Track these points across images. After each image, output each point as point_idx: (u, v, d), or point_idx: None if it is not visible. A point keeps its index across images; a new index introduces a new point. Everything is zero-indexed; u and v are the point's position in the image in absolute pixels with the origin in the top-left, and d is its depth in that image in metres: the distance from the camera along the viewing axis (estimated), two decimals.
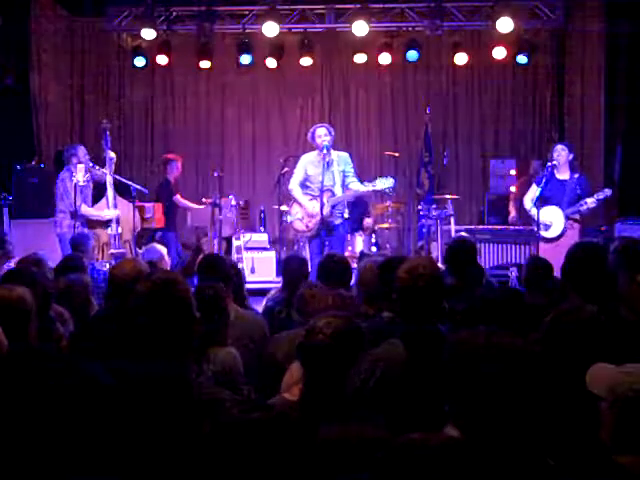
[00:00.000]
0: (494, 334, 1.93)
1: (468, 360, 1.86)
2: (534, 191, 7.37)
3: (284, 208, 8.64)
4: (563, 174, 7.35)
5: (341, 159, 7.43)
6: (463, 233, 7.33)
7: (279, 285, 5.19)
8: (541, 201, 7.20)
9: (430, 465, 1.48)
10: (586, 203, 7.17)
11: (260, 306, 5.18)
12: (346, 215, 7.48)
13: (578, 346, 2.47)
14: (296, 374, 3.15)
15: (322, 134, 7.33)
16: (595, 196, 7.16)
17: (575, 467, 1.99)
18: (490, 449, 1.76)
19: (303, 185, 7.47)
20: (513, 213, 9.36)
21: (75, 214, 7.48)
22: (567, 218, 7.25)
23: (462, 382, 1.85)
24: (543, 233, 7.25)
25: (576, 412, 2.26)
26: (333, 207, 7.29)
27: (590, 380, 2.15)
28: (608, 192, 7.19)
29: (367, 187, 7.36)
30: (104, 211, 7.89)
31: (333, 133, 7.46)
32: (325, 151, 7.25)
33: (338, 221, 7.39)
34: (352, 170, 7.47)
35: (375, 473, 1.52)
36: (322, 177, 7.21)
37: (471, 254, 4.82)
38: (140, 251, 7.56)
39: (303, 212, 7.45)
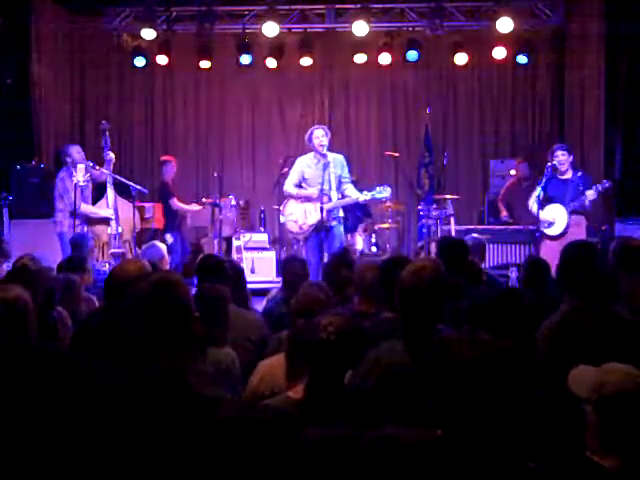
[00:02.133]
0: (478, 334, 1.93)
1: (451, 359, 1.86)
2: (537, 192, 7.37)
3: (282, 208, 8.65)
4: (566, 174, 7.36)
5: (337, 162, 7.44)
6: (475, 234, 7.30)
7: (279, 285, 5.20)
8: (544, 200, 7.21)
9: (403, 461, 1.48)
10: (586, 196, 7.17)
11: (260, 306, 5.18)
12: (340, 214, 7.51)
13: (583, 347, 2.46)
14: (261, 373, 3.19)
15: (320, 135, 7.35)
16: (594, 187, 7.14)
17: (557, 470, 1.98)
18: (470, 449, 1.76)
19: (299, 187, 7.48)
20: (504, 212, 9.38)
21: (75, 213, 7.49)
22: (570, 213, 7.24)
23: (444, 381, 1.85)
24: (547, 231, 7.25)
25: (566, 414, 2.26)
26: (329, 212, 7.30)
27: (572, 383, 2.14)
28: (607, 183, 7.18)
29: (365, 196, 7.42)
30: (102, 209, 7.90)
31: (329, 135, 7.48)
32: (324, 151, 7.27)
33: (334, 223, 7.42)
34: (348, 175, 7.53)
35: (350, 468, 1.52)
36: (322, 179, 7.23)
37: (462, 252, 4.83)
38: (139, 251, 7.57)
39: (299, 212, 7.44)
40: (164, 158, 9.77)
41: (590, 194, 7.12)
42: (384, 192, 7.40)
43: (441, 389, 1.86)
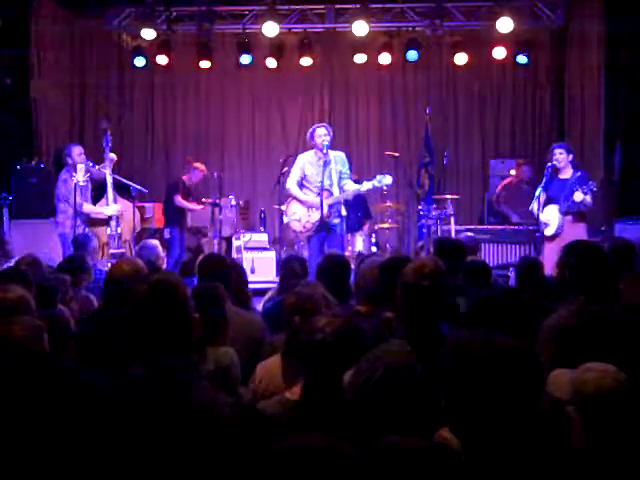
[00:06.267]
0: (493, 335, 1.93)
1: (466, 360, 1.86)
2: (537, 192, 7.35)
3: (284, 208, 8.65)
4: (565, 174, 7.33)
5: (338, 159, 7.45)
6: (469, 233, 7.29)
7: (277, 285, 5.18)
8: (545, 202, 7.19)
9: (409, 469, 1.48)
10: (573, 197, 7.10)
11: (258, 306, 5.17)
12: (343, 213, 7.52)
13: (587, 347, 2.46)
14: (260, 374, 3.19)
15: (322, 134, 7.34)
16: (580, 189, 7.08)
17: (570, 471, 1.98)
18: (484, 451, 1.76)
19: (300, 185, 7.49)
20: (514, 216, 9.21)
21: (76, 214, 7.48)
22: (564, 214, 7.20)
23: (458, 381, 1.85)
24: (545, 232, 7.22)
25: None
26: (330, 207, 7.31)
27: (553, 386, 2.14)
28: (593, 185, 7.11)
29: (366, 185, 7.39)
30: (105, 207, 7.88)
31: (332, 133, 7.48)
32: (325, 150, 7.27)
33: (336, 220, 7.42)
34: (348, 172, 7.53)
35: (350, 475, 1.51)
36: (322, 177, 7.23)
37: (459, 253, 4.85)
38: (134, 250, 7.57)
39: (302, 211, 7.45)
40: (196, 165, 9.74)
41: (577, 196, 7.07)
42: (384, 180, 7.37)
43: (455, 390, 1.86)
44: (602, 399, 2.03)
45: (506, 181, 9.81)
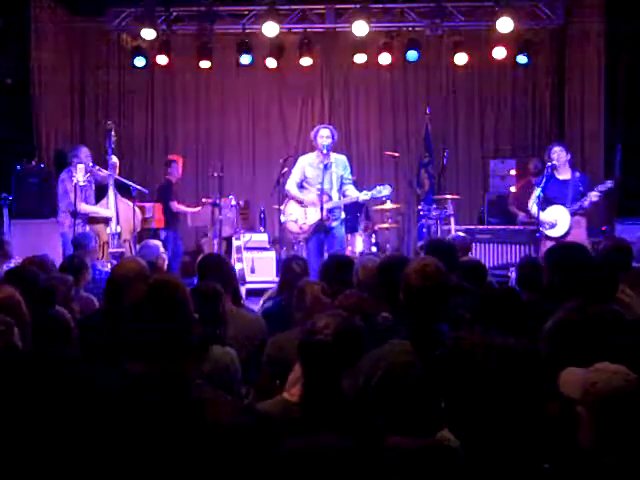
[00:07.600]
0: (491, 334, 1.93)
1: (465, 359, 1.86)
2: (537, 192, 7.35)
3: (282, 208, 8.65)
4: (564, 174, 7.33)
5: (339, 162, 7.46)
6: (460, 233, 7.31)
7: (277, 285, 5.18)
8: (544, 202, 7.18)
9: (411, 469, 1.48)
10: (587, 197, 7.14)
11: (257, 306, 5.17)
12: (342, 216, 7.53)
13: (584, 347, 2.46)
14: (299, 373, 3.17)
15: (325, 135, 7.34)
16: (596, 188, 7.12)
17: (570, 470, 1.98)
18: (483, 450, 1.76)
19: (300, 187, 7.50)
20: (521, 214, 9.18)
21: (75, 214, 7.48)
22: (572, 215, 7.21)
23: (458, 381, 1.85)
24: (548, 232, 7.20)
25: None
26: (329, 211, 7.31)
27: (564, 384, 2.14)
28: (610, 184, 7.16)
29: (365, 195, 7.44)
30: (101, 209, 7.88)
31: (336, 136, 7.48)
32: (325, 151, 7.27)
33: (335, 223, 7.42)
34: (350, 176, 7.55)
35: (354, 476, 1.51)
36: (322, 179, 7.23)
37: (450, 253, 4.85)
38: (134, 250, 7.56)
39: (299, 212, 7.45)
40: (171, 157, 9.78)
41: (594, 195, 7.10)
42: (384, 191, 7.42)
43: (455, 390, 1.86)
44: (612, 400, 2.02)
45: (520, 184, 9.76)
